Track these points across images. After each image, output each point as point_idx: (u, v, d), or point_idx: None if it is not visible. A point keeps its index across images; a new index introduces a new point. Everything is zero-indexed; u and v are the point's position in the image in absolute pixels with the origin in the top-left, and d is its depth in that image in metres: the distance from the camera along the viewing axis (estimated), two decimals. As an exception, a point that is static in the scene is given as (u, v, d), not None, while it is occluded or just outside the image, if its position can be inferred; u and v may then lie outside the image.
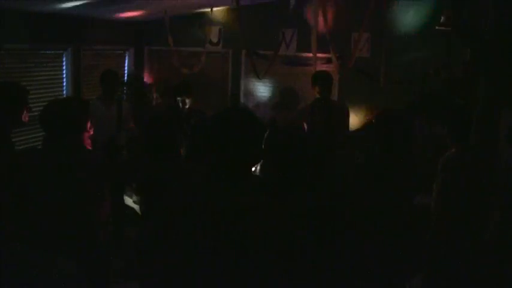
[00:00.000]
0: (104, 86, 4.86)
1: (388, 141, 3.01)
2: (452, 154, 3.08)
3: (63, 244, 2.49)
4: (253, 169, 2.57)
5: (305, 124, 4.85)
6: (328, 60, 5.36)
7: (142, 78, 7.00)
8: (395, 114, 3.18)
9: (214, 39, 6.30)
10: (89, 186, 2.75)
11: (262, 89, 6.45)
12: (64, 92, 5.89)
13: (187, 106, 5.22)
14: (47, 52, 5.62)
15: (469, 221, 2.79)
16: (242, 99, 6.61)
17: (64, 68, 5.87)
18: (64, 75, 5.88)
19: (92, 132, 2.93)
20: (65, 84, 5.89)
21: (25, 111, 3.07)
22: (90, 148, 2.90)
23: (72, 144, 2.75)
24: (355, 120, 5.54)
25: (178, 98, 5.20)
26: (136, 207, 3.88)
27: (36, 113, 2.95)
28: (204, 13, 6.20)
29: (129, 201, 4.35)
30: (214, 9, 5.98)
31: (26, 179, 2.66)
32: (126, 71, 6.95)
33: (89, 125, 2.89)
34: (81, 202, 2.71)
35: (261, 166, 3.23)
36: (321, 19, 4.76)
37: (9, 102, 2.99)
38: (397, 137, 3.00)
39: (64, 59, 5.86)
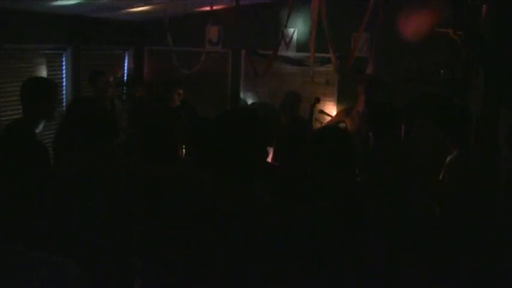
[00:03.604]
0: (94, 87, 4.85)
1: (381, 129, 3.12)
2: (457, 156, 3.02)
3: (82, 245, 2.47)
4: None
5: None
6: (328, 60, 5.35)
7: (142, 78, 6.99)
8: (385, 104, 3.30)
9: (214, 39, 6.30)
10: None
11: (262, 89, 6.45)
12: (64, 92, 5.88)
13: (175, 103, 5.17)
14: (47, 52, 5.62)
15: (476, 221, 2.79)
16: (242, 100, 6.61)
17: (64, 68, 5.87)
18: (64, 75, 5.87)
19: None
20: (64, 84, 5.88)
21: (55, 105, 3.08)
22: None
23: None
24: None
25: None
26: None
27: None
28: (204, 13, 6.19)
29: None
30: (214, 8, 5.97)
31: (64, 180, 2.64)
32: (126, 71, 6.95)
33: None
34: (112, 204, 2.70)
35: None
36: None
37: (47, 96, 2.99)
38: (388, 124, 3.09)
39: (64, 59, 5.85)
